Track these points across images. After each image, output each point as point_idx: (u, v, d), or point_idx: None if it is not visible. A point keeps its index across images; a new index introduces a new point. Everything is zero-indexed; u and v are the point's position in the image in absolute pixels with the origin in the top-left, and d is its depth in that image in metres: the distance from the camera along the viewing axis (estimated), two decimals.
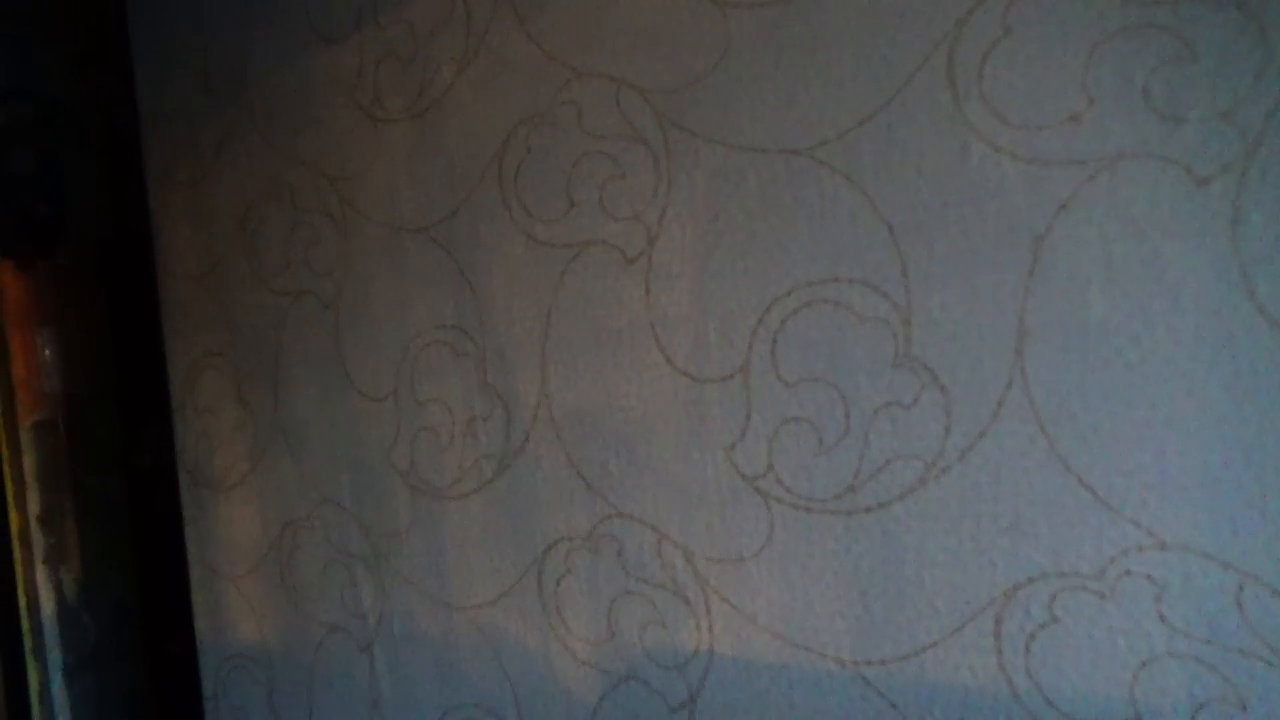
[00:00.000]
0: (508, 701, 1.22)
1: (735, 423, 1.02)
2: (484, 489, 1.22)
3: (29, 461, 1.73)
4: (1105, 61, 0.81)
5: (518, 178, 1.18)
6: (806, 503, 0.97)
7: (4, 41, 1.71)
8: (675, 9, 1.04)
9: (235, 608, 1.54)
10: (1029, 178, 0.85)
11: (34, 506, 1.73)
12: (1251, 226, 0.75)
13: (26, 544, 1.73)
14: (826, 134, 0.95)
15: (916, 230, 0.90)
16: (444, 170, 1.24)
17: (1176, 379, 0.78)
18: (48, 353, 1.76)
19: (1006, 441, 0.85)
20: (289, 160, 1.40)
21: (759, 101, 1.00)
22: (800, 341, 0.97)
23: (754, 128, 1.00)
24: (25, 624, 1.73)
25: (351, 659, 1.39)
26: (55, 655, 1.73)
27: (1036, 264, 0.84)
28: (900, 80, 0.91)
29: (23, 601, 1.73)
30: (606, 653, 1.13)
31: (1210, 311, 0.77)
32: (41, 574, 1.73)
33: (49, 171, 1.77)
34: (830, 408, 0.95)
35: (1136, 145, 0.80)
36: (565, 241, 1.14)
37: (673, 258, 1.06)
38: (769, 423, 0.99)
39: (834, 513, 0.95)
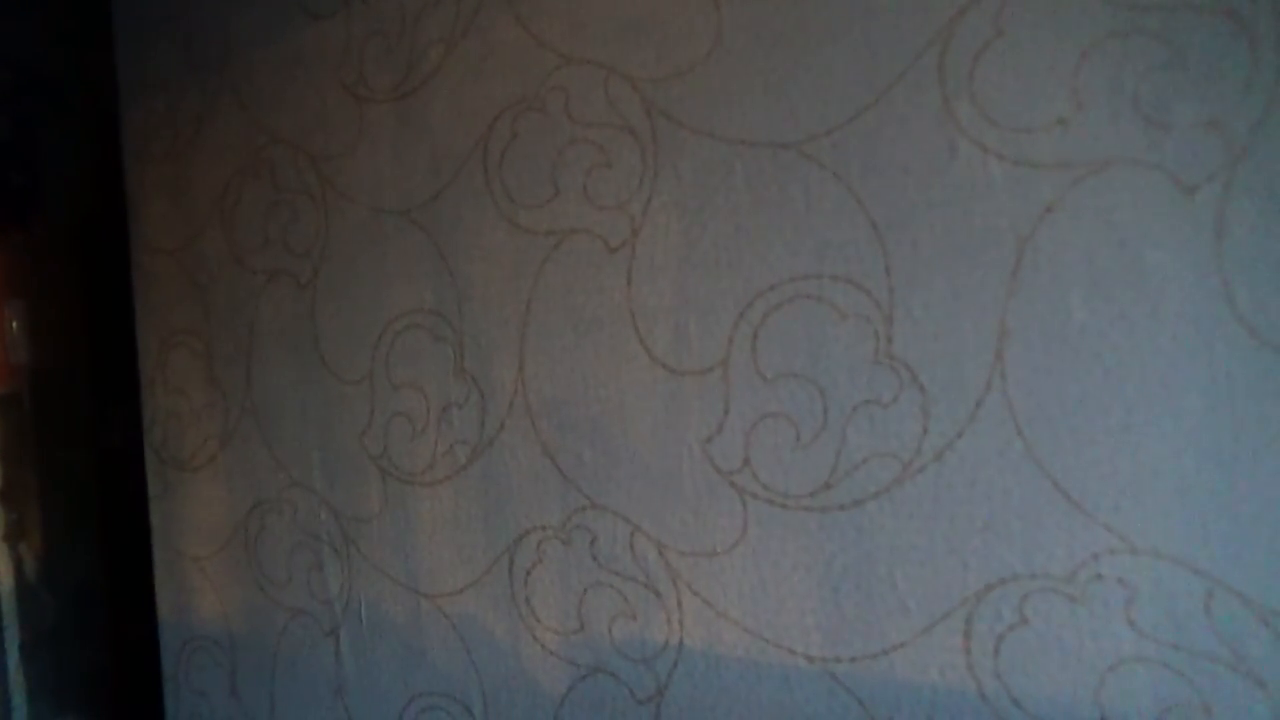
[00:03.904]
0: (474, 691, 1.21)
1: (713, 416, 1.01)
2: (456, 476, 1.21)
3: None
4: (1095, 66, 0.81)
5: (502, 163, 1.17)
6: (782, 499, 0.97)
7: None
8: (666, 3, 1.04)
9: (199, 589, 1.52)
10: (1015, 180, 0.85)
11: None
12: (1234, 236, 0.75)
13: None
14: (815, 129, 0.95)
15: (901, 228, 0.90)
16: (427, 153, 1.23)
17: (1154, 386, 0.79)
18: (15, 325, 1.73)
19: (983, 442, 0.86)
20: (270, 137, 1.38)
21: (748, 94, 0.99)
22: (781, 337, 0.97)
23: (742, 120, 0.99)
24: None
25: (316, 644, 1.37)
26: (13, 633, 1.70)
27: (1020, 266, 0.84)
28: (891, 78, 0.91)
29: None
30: (575, 644, 1.12)
31: (1190, 320, 0.77)
32: (1, 550, 1.70)
33: (25, 141, 1.74)
34: (809, 404, 0.95)
35: (1123, 151, 0.80)
36: (548, 229, 1.13)
37: (656, 248, 1.05)
38: (747, 417, 0.99)
39: (809, 509, 0.95)
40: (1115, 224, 0.80)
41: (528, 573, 1.16)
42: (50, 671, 1.74)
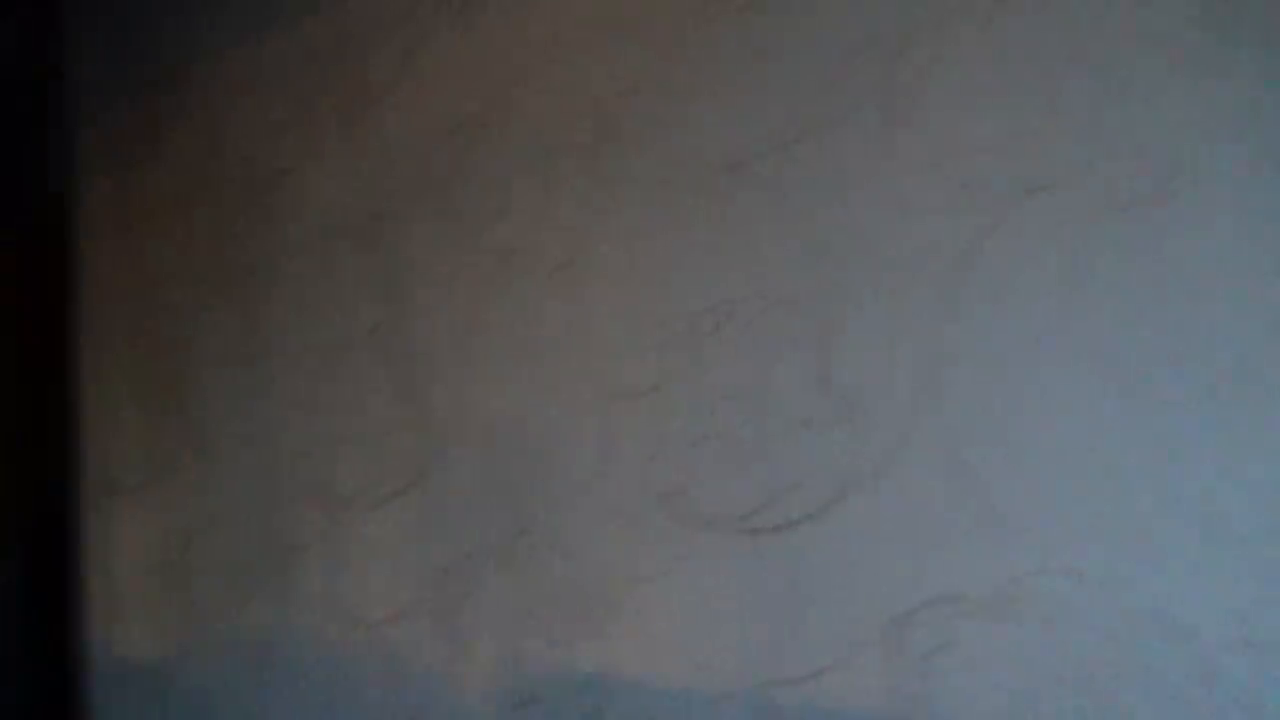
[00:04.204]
0: None
1: (651, 439, 1.00)
2: (394, 501, 1.19)
3: None
4: (1035, 90, 0.82)
5: (450, 182, 1.16)
6: (718, 522, 0.95)
7: None
8: (618, 20, 1.04)
9: (130, 618, 1.48)
10: (955, 201, 0.85)
11: None
12: (1169, 256, 0.75)
13: None
14: (759, 150, 0.95)
15: (841, 250, 0.90)
16: (377, 171, 1.23)
17: (1085, 408, 0.78)
18: None
19: (917, 464, 0.84)
20: (220, 154, 1.38)
21: (694, 116, 0.99)
22: (720, 358, 0.96)
23: (687, 142, 1.00)
24: None
25: (248, 673, 1.33)
26: None
27: (957, 288, 0.84)
28: (835, 100, 0.91)
29: None
30: (509, 672, 1.09)
31: (1124, 341, 0.77)
32: None
33: None
34: (746, 426, 0.93)
35: (1061, 172, 0.80)
36: (494, 249, 1.12)
37: (600, 269, 1.05)
38: (685, 440, 0.97)
39: (743, 532, 0.93)
40: (1051, 244, 0.80)
41: (463, 599, 1.13)
42: None
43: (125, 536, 1.47)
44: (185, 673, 1.41)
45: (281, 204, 1.31)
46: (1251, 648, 0.69)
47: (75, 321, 1.56)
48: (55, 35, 1.65)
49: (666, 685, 0.97)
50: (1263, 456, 0.71)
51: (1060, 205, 0.79)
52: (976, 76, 0.84)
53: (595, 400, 1.04)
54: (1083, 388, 0.78)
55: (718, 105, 0.97)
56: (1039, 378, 0.80)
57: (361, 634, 1.21)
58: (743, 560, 0.93)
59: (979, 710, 0.79)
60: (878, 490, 0.86)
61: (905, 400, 0.85)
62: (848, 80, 0.90)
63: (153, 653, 1.45)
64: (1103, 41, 0.79)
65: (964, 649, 0.80)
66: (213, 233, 1.38)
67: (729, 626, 0.94)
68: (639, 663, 0.99)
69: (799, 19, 0.93)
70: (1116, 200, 0.77)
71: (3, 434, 1.73)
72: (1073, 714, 0.75)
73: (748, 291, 0.95)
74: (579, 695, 1.03)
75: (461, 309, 1.15)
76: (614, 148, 1.04)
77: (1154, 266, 0.75)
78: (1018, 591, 0.78)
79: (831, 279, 0.90)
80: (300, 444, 1.28)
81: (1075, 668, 0.75)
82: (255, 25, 1.34)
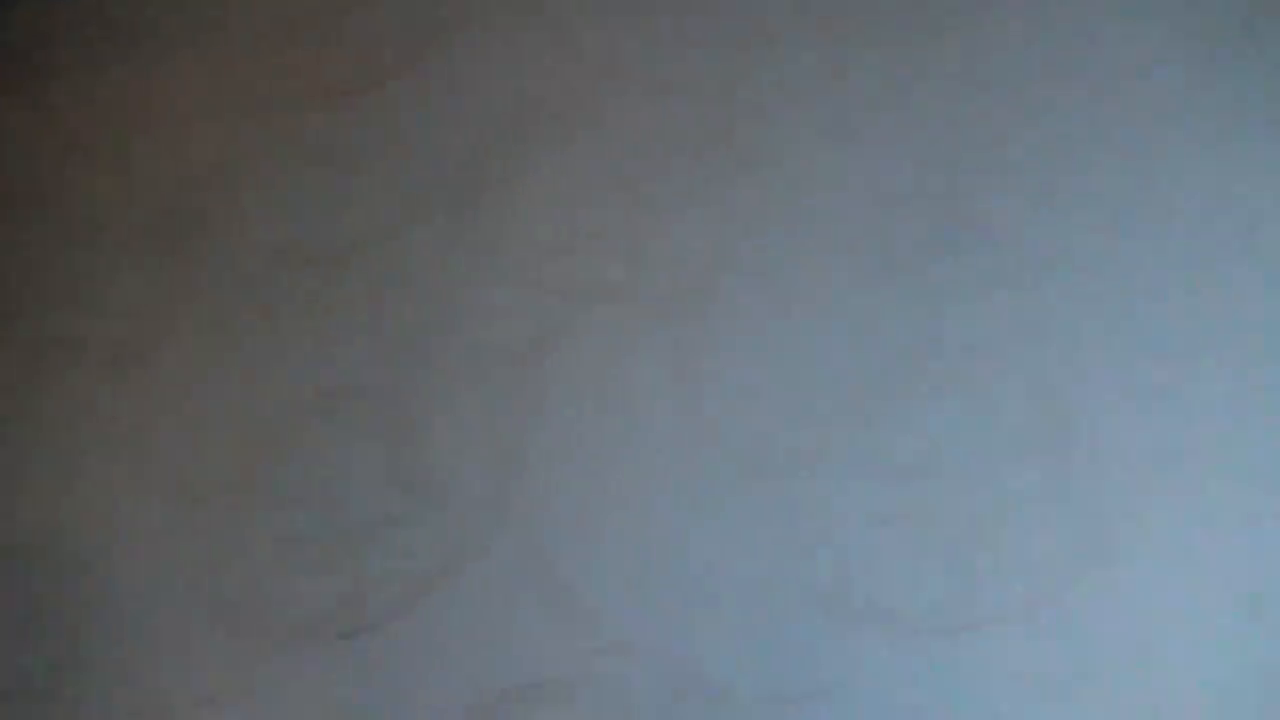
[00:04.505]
0: None
1: (224, 544, 0.93)
2: None
3: None
4: (595, 205, 0.91)
5: None
6: (299, 629, 0.90)
7: None
8: (204, 105, 1.01)
9: None
10: (529, 303, 0.91)
11: None
12: (699, 356, 0.86)
13: None
14: (343, 245, 0.96)
15: (421, 347, 0.93)
16: None
17: (642, 498, 0.87)
18: None
19: (498, 557, 0.88)
20: None
21: (279, 207, 0.98)
22: (300, 456, 0.93)
23: (271, 233, 0.98)
24: None
25: None
26: None
27: (533, 386, 0.90)
28: (418, 199, 0.95)
29: None
30: None
31: (671, 433, 0.87)
32: None
33: None
34: (326, 526, 0.91)
35: (615, 279, 0.90)
36: (36, 337, 1.00)
37: (173, 363, 0.98)
38: (262, 543, 0.92)
39: (322, 639, 0.89)
40: (609, 345, 0.89)
41: None
42: None
43: None
44: None
45: None
46: (774, 700, 0.80)
47: None
48: None
49: None
50: (762, 529, 0.83)
51: (615, 312, 0.88)
52: (553, 189, 0.92)
53: (158, 505, 0.95)
54: (640, 480, 0.86)
55: (303, 198, 0.97)
56: (605, 471, 0.87)
57: None
58: (325, 667, 0.89)
59: None
60: (461, 586, 0.88)
61: (486, 493, 0.89)
62: (430, 183, 0.94)
63: None
64: (640, 165, 0.91)
65: None
66: None
67: None
68: None
69: (386, 119, 0.96)
70: (659, 309, 0.88)
71: None
72: None
73: (330, 386, 0.93)
74: None
75: None
76: (193, 235, 0.99)
77: (694, 366, 0.86)
78: (583, 671, 0.83)
79: (414, 375, 0.92)
80: None
81: None
82: None
